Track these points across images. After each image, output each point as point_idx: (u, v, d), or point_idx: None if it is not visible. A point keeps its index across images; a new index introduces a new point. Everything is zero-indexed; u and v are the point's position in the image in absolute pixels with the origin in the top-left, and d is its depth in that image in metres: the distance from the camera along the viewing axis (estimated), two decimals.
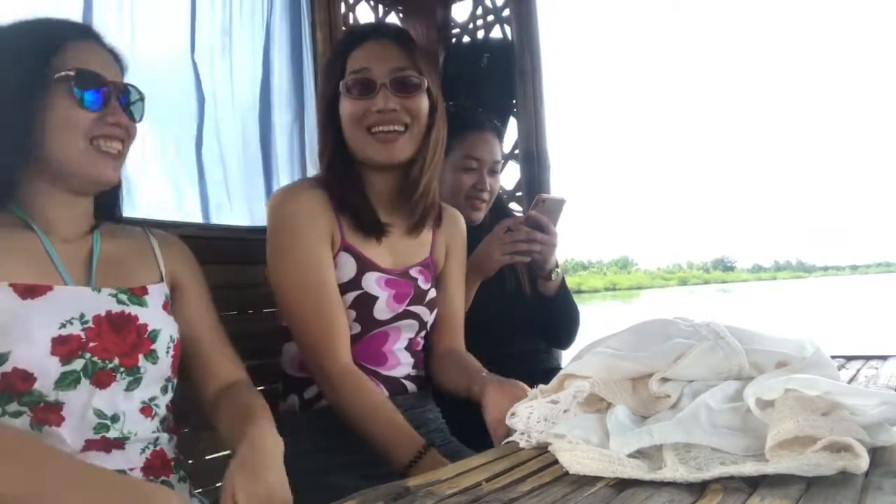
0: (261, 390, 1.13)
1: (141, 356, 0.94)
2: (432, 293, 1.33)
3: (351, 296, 1.23)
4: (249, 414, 0.96)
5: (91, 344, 0.90)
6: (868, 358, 1.41)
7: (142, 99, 1.01)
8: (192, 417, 1.20)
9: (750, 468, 0.64)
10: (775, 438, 0.66)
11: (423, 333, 1.34)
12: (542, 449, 0.82)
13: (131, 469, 0.91)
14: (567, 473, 0.72)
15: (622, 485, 0.66)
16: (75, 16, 1.49)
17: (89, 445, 0.89)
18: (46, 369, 0.86)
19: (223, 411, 1.02)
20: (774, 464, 0.64)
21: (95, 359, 0.90)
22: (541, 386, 0.92)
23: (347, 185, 1.23)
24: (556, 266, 1.61)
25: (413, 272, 1.30)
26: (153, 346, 0.96)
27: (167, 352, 0.99)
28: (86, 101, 0.94)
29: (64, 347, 0.87)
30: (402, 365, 1.30)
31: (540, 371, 1.58)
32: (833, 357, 1.22)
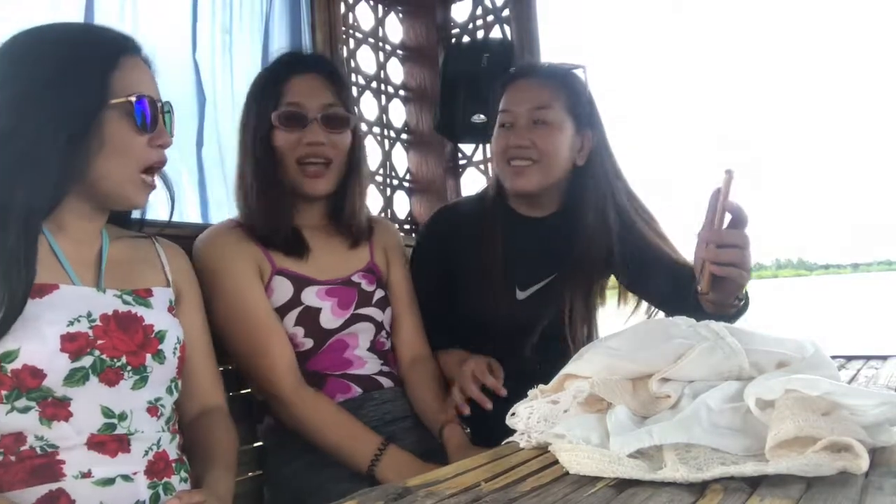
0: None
1: (148, 355, 0.95)
2: (380, 293, 1.36)
3: (294, 313, 1.26)
4: (211, 458, 1.01)
5: (99, 341, 0.90)
6: (868, 358, 1.41)
7: (172, 112, 1.02)
8: None
9: (750, 468, 0.64)
10: (775, 439, 0.66)
11: (383, 334, 1.36)
12: (542, 449, 0.82)
13: (134, 472, 0.91)
14: (567, 473, 0.72)
15: (622, 485, 0.66)
16: (76, 15, 1.49)
17: (95, 439, 0.89)
18: (56, 366, 0.86)
19: (196, 446, 1.05)
20: (774, 464, 0.64)
21: (104, 356, 0.90)
22: (541, 386, 0.92)
23: (274, 213, 1.27)
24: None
25: (355, 278, 1.34)
26: (160, 346, 0.97)
27: (174, 352, 0.99)
28: (139, 125, 0.94)
29: (73, 344, 0.88)
30: (370, 364, 1.32)
31: None
32: (833, 357, 1.22)
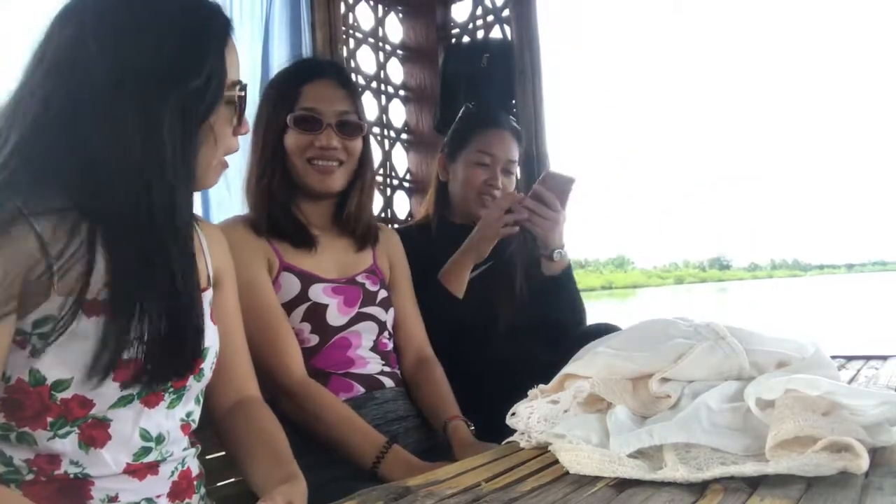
0: None
1: (192, 376, 0.89)
2: (383, 293, 1.38)
3: (301, 309, 1.27)
4: (269, 453, 0.96)
5: (149, 367, 0.82)
6: (868, 358, 1.41)
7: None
8: None
9: (750, 468, 0.64)
10: (775, 438, 0.66)
11: (386, 334, 1.37)
12: (542, 449, 0.82)
13: (158, 496, 0.88)
14: (567, 473, 0.72)
15: (622, 485, 0.66)
16: None
17: (129, 468, 0.85)
18: (105, 395, 0.80)
19: (240, 441, 0.99)
20: (774, 464, 0.64)
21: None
22: (541, 386, 0.92)
23: (281, 210, 1.31)
24: (562, 247, 1.56)
25: (359, 278, 1.36)
26: (202, 365, 0.90)
27: (211, 367, 0.94)
28: (237, 112, 0.88)
29: (125, 372, 0.80)
30: (372, 363, 1.33)
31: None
32: (833, 357, 1.22)
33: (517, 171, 1.73)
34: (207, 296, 0.96)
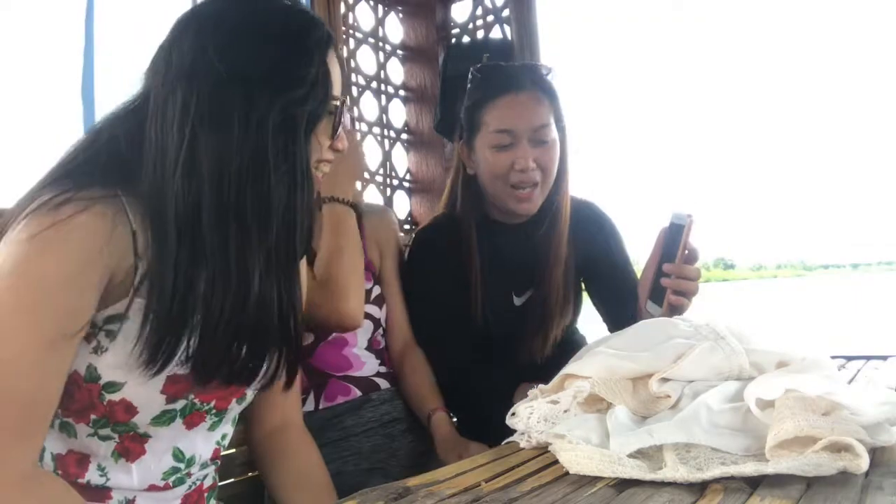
0: None
1: (234, 399, 0.89)
2: (376, 290, 1.37)
3: None
4: (312, 487, 0.97)
5: (197, 387, 0.82)
6: (868, 358, 1.41)
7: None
8: None
9: (750, 468, 0.64)
10: (775, 438, 0.66)
11: (380, 331, 1.36)
12: (542, 449, 0.82)
13: None
14: (567, 473, 0.72)
15: (622, 485, 0.66)
16: (77, 17, 1.49)
17: (153, 489, 0.85)
18: (151, 405, 0.81)
19: (282, 472, 0.98)
20: (774, 464, 0.64)
21: (196, 400, 0.84)
22: (540, 386, 0.92)
23: None
24: None
25: None
26: (247, 389, 0.89)
27: (254, 391, 0.91)
28: (334, 130, 0.86)
29: (175, 387, 0.81)
30: (368, 365, 1.33)
31: None
32: (833, 357, 1.21)
33: (553, 135, 1.35)
34: None
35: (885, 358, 1.39)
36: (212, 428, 0.89)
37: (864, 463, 0.63)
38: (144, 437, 0.83)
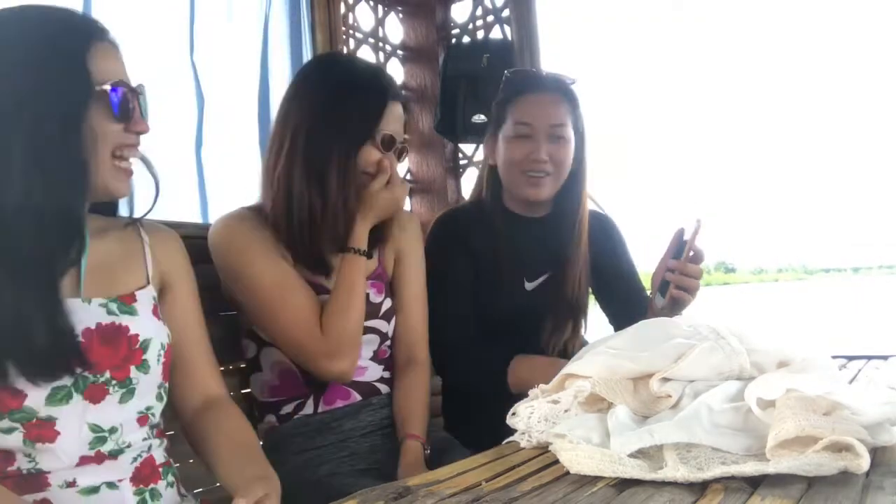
0: None
1: (133, 367, 0.90)
2: (387, 304, 1.33)
3: None
4: (239, 450, 0.97)
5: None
6: (869, 358, 1.41)
7: (145, 94, 0.96)
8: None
9: (751, 468, 0.64)
10: (776, 438, 0.65)
11: (386, 343, 1.34)
12: (543, 449, 0.82)
13: (120, 480, 0.89)
14: (568, 473, 0.72)
15: (623, 484, 0.66)
16: None
17: (84, 461, 0.86)
18: (36, 385, 0.82)
19: (207, 440, 0.99)
20: (775, 464, 0.64)
21: (86, 373, 0.86)
22: (541, 385, 0.92)
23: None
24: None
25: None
26: (144, 357, 0.92)
27: (158, 360, 0.94)
28: (117, 114, 0.89)
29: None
30: (370, 370, 1.31)
31: None
32: (834, 357, 1.21)
33: (570, 134, 1.48)
34: (149, 293, 0.98)
35: (885, 358, 1.39)
36: (123, 400, 0.90)
37: (864, 463, 0.63)
38: (49, 421, 0.84)
